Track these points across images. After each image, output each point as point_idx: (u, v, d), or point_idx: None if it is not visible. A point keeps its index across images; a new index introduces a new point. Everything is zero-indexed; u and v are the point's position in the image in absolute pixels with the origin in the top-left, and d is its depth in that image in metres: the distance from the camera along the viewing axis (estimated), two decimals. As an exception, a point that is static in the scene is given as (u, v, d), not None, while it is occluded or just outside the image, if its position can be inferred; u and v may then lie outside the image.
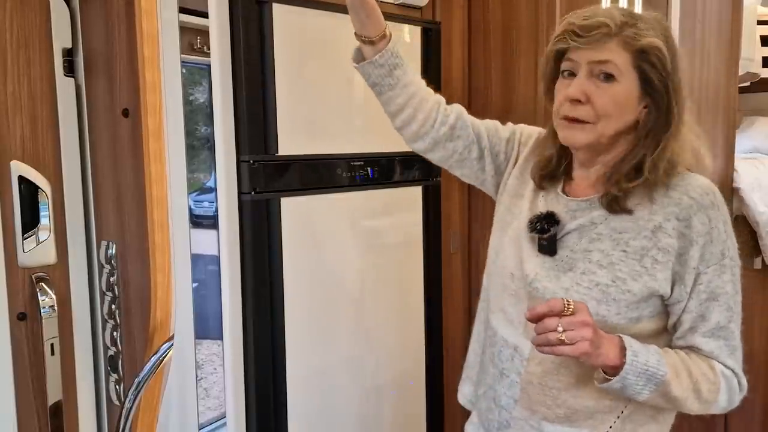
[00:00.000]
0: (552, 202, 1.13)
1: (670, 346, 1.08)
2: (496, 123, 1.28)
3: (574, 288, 1.05)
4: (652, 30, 1.02)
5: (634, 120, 1.06)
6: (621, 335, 1.01)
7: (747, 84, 2.82)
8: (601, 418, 1.07)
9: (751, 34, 2.57)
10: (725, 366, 1.05)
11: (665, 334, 1.09)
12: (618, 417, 1.07)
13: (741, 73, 2.41)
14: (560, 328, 0.93)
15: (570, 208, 1.11)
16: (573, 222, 1.09)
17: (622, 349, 0.99)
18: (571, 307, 0.94)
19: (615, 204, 1.05)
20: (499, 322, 1.16)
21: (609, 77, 1.02)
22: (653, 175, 1.03)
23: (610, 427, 1.07)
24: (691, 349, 1.06)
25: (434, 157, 1.28)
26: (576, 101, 1.04)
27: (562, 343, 0.93)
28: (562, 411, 1.08)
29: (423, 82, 1.25)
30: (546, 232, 1.09)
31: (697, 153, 1.09)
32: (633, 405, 1.06)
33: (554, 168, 1.15)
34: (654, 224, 1.03)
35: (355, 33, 1.17)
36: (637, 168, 1.04)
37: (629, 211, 1.05)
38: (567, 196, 1.13)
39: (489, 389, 1.17)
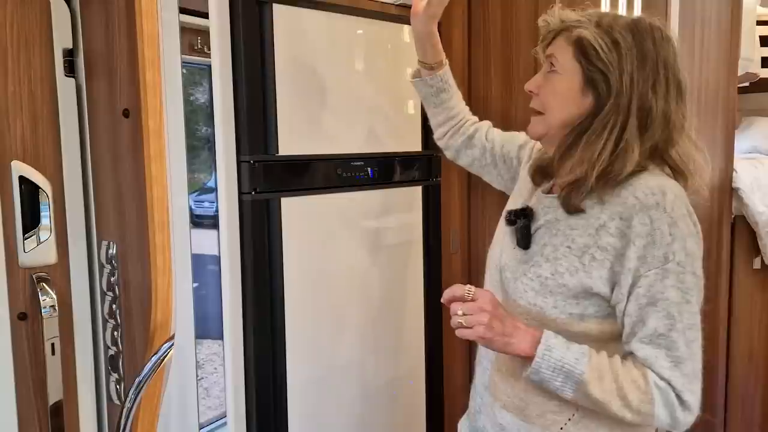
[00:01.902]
0: (538, 198, 1.18)
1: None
2: (519, 133, 1.41)
3: (521, 279, 1.10)
4: (592, 24, 1.05)
5: (580, 113, 1.08)
6: (546, 330, 1.03)
7: (746, 84, 2.83)
8: (552, 418, 1.09)
9: (750, 34, 2.57)
10: (660, 377, 1.00)
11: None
12: (569, 419, 1.08)
13: (740, 73, 2.42)
14: (460, 312, 1.01)
15: (544, 204, 1.14)
16: (543, 218, 1.12)
17: (538, 343, 1.01)
18: (471, 292, 1.02)
19: (566, 205, 1.08)
20: None
21: (553, 70, 1.10)
22: (589, 182, 1.03)
23: (561, 428, 1.08)
24: (632, 354, 1.04)
25: (463, 164, 1.53)
26: (531, 93, 1.14)
27: (461, 326, 1.01)
28: (517, 401, 1.11)
29: (466, 109, 1.51)
30: (513, 224, 1.14)
31: (697, 164, 1.09)
32: (583, 411, 1.07)
33: (542, 161, 1.20)
34: (599, 223, 1.04)
35: (419, 60, 1.44)
36: (578, 178, 1.05)
37: (582, 210, 1.06)
38: (550, 192, 1.16)
39: (475, 377, 1.25)
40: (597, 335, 1.06)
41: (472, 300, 1.02)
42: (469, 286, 1.03)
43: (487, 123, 1.51)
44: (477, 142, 1.47)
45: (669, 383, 1.00)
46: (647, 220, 0.99)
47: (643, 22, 1.06)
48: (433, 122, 1.52)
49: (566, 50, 1.07)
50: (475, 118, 1.52)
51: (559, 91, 1.09)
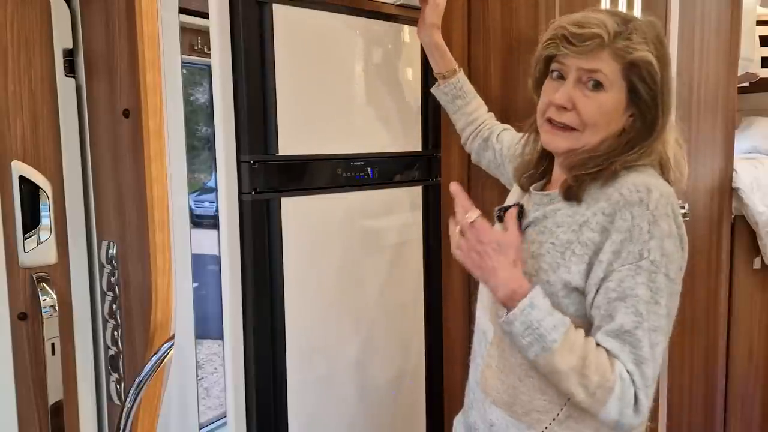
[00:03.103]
0: (530, 195, 1.18)
1: None
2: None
3: None
4: (644, 42, 1.02)
5: (620, 129, 1.07)
6: (538, 287, 1.02)
7: (746, 84, 2.83)
8: (537, 417, 1.09)
9: (750, 34, 2.57)
10: (627, 370, 0.99)
11: None
12: (554, 419, 1.08)
13: (740, 73, 2.42)
14: (457, 229, 1.04)
15: (535, 201, 1.15)
16: (532, 215, 1.13)
17: (523, 296, 1.00)
18: (470, 218, 1.03)
19: (569, 192, 1.07)
20: (478, 309, 1.24)
21: (597, 86, 1.04)
22: (607, 171, 1.04)
23: (546, 427, 1.08)
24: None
25: (483, 167, 1.60)
26: (562, 108, 1.06)
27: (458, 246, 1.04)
28: (506, 396, 1.11)
29: (487, 114, 1.59)
30: (502, 221, 1.14)
31: (678, 160, 1.10)
32: (569, 410, 1.07)
33: (535, 167, 1.20)
34: (583, 219, 1.04)
35: (433, 70, 1.56)
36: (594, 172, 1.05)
37: (581, 201, 1.06)
38: (543, 190, 1.16)
39: (469, 374, 1.26)
40: None
41: (471, 223, 1.02)
42: (470, 213, 1.03)
43: (502, 126, 1.56)
44: (490, 145, 1.53)
45: (632, 378, 0.99)
46: (628, 216, 0.99)
47: (655, 21, 1.06)
48: (456, 128, 1.61)
49: (612, 66, 1.02)
50: (495, 122, 1.58)
51: (607, 109, 1.04)
